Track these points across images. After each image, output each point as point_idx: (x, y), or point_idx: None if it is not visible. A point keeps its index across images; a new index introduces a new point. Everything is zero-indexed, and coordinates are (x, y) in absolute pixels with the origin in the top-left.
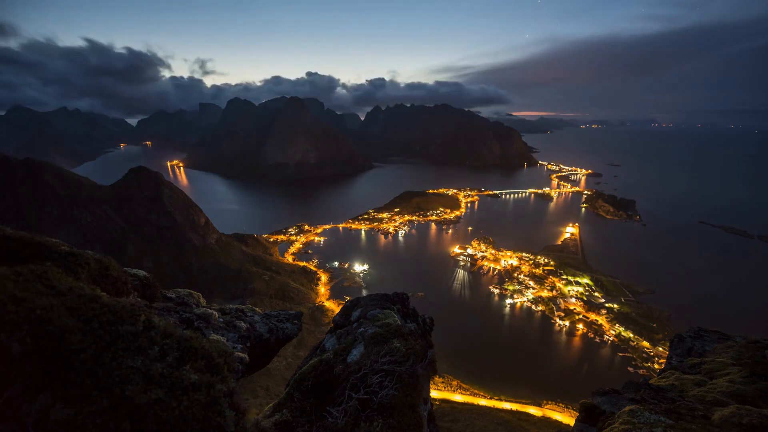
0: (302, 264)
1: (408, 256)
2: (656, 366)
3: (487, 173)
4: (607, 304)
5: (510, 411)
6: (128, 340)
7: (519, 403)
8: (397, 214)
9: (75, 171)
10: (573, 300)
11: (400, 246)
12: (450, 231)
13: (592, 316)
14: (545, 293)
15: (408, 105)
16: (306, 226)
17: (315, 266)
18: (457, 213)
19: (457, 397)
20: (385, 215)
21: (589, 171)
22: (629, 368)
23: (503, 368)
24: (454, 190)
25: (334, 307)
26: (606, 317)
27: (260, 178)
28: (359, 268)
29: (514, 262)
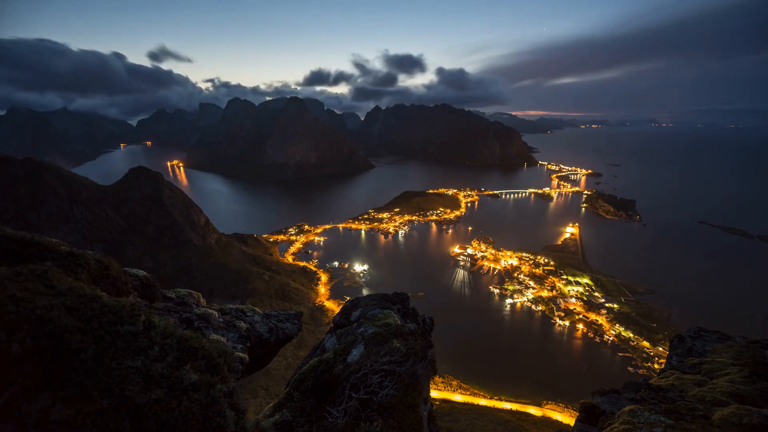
0: (302, 264)
1: (408, 256)
2: (656, 366)
3: (487, 173)
4: (607, 304)
5: (510, 411)
6: (128, 340)
7: (519, 403)
8: (397, 214)
9: (75, 171)
10: (573, 300)
11: (400, 246)
12: (450, 231)
13: (592, 316)
14: (545, 293)
15: (408, 105)
16: (306, 226)
17: (315, 266)
18: (457, 213)
19: (457, 397)
20: (385, 215)
21: (589, 171)
22: (629, 368)
23: (503, 368)
24: (454, 190)
25: (334, 307)
26: (606, 317)
27: (260, 178)
28: (359, 268)
29: (514, 262)
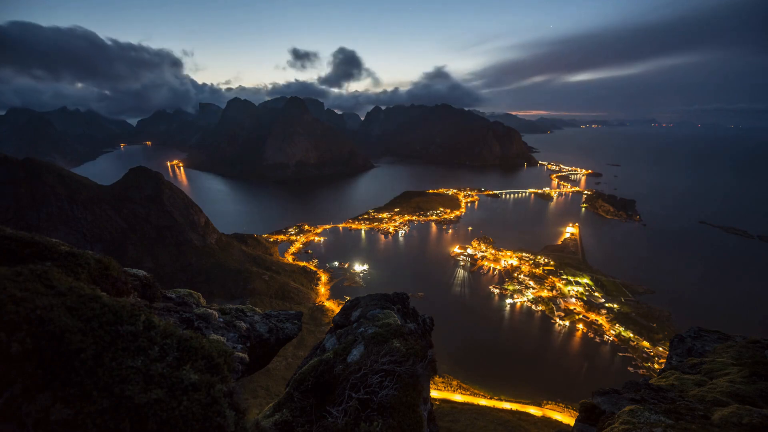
0: (302, 264)
1: (408, 256)
2: (656, 366)
3: (487, 173)
4: (607, 304)
5: (510, 411)
6: (128, 340)
7: (519, 403)
8: (397, 214)
9: (75, 171)
10: (573, 300)
11: (400, 246)
12: (450, 231)
13: (592, 316)
14: (545, 293)
15: (408, 105)
16: (306, 226)
17: (315, 266)
18: (457, 213)
19: (457, 397)
20: (385, 215)
21: (589, 171)
22: (629, 368)
23: (503, 368)
24: (454, 190)
25: (334, 307)
26: (606, 317)
27: (260, 178)
28: (359, 268)
29: (514, 262)
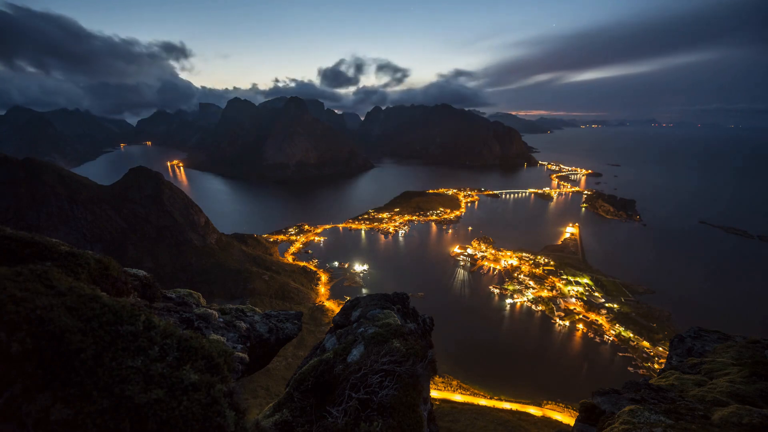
0: (302, 264)
1: (408, 256)
2: (656, 366)
3: (487, 173)
4: (607, 304)
5: (510, 411)
6: (128, 340)
7: (519, 403)
8: (397, 214)
9: (75, 171)
10: (573, 300)
11: (400, 246)
12: (450, 231)
13: (592, 316)
14: (545, 293)
15: (408, 105)
16: (306, 226)
17: (315, 266)
18: (457, 213)
19: (457, 397)
20: (385, 215)
21: (589, 171)
22: (629, 368)
23: (503, 368)
24: (454, 190)
25: (334, 307)
26: (606, 317)
27: (260, 178)
28: (359, 268)
29: (514, 262)
